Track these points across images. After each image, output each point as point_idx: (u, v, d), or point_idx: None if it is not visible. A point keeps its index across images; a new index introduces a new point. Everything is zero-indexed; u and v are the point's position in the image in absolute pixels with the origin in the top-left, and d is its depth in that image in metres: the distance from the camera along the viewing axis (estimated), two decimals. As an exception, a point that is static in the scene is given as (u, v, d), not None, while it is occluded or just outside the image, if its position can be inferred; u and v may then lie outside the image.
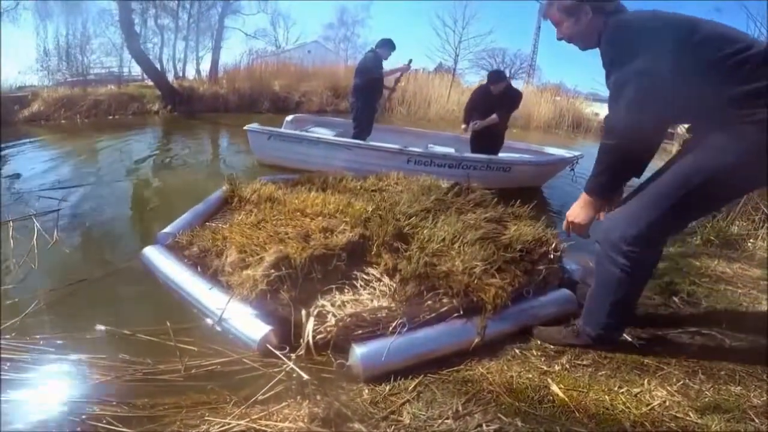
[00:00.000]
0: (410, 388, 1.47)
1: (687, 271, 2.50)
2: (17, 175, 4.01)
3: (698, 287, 2.29)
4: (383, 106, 5.25)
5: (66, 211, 3.15)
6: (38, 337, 1.68)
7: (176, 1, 11.27)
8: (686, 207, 1.37)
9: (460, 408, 1.37)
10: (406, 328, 1.65)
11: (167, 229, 2.39)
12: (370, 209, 2.25)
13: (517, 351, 1.68)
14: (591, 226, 1.56)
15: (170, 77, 10.95)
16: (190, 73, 12.97)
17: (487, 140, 4.49)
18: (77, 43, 10.90)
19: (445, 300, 1.76)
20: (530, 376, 1.51)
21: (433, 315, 1.72)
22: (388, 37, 4.56)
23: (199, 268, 2.09)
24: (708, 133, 1.30)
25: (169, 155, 5.41)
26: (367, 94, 4.57)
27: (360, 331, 1.65)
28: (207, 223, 2.50)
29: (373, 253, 1.94)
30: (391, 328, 1.65)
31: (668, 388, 1.48)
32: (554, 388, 1.45)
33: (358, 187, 2.92)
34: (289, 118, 5.55)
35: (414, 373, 1.53)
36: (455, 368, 1.58)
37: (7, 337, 1.69)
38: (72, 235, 2.82)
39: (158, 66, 10.64)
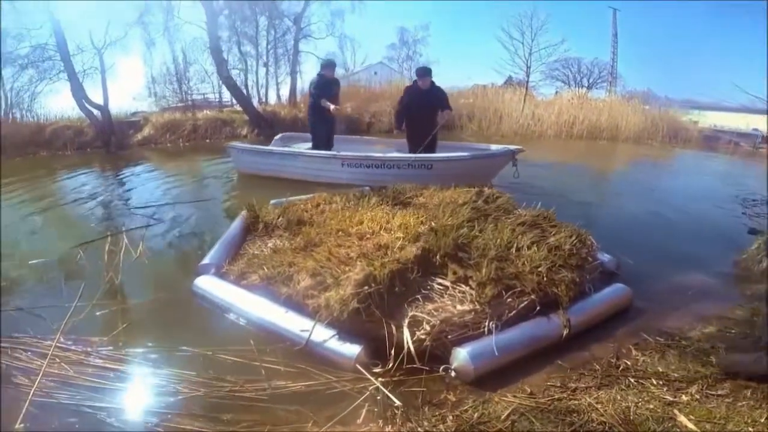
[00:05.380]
0: (502, 417, 1.32)
1: None
2: (127, 198, 4.51)
3: None
4: None
5: (158, 229, 3.35)
6: (136, 350, 1.77)
7: (255, 17, 12.01)
8: None
9: (565, 443, 1.20)
10: (498, 327, 1.70)
11: (206, 261, 2.37)
12: (412, 222, 2.33)
13: (631, 380, 1.48)
14: None
15: (255, 102, 11.73)
16: (272, 97, 13.79)
17: (423, 139, 4.48)
18: (178, 69, 12.10)
19: (523, 297, 1.82)
20: (651, 406, 1.32)
21: (514, 313, 1.78)
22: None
23: (263, 294, 2.04)
24: None
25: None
26: (319, 112, 4.92)
27: (450, 336, 1.67)
28: (240, 252, 2.49)
29: (437, 264, 1.98)
30: (485, 328, 1.70)
31: (836, 426, 1.20)
32: (682, 419, 1.25)
33: (380, 202, 2.88)
34: (277, 136, 5.86)
35: (507, 398, 1.41)
36: (556, 397, 1.41)
37: (96, 339, 1.80)
38: (161, 251, 2.97)
39: (244, 91, 11.47)
